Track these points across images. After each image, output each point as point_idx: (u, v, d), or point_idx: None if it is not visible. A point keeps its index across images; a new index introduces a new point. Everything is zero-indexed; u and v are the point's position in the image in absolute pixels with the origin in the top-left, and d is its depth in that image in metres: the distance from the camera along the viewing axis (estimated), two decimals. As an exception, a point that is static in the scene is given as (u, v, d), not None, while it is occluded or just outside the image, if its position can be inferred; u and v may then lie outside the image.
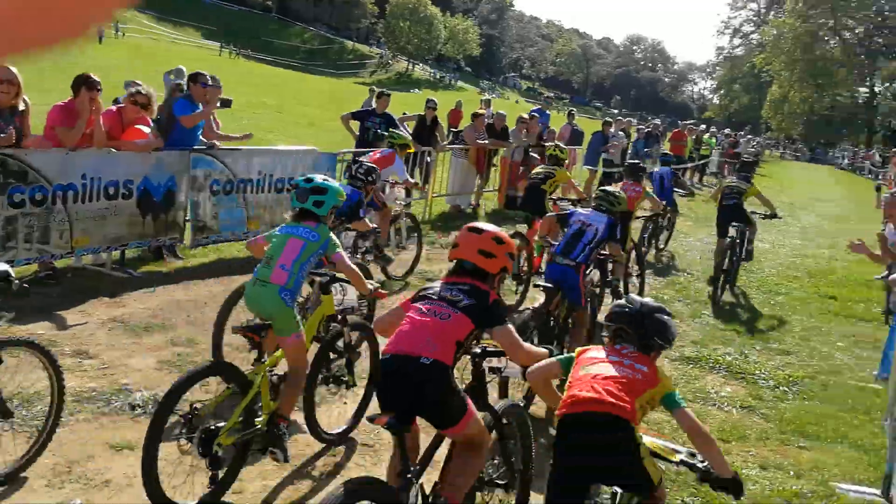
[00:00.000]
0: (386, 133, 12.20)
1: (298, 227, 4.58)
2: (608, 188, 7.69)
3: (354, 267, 4.78)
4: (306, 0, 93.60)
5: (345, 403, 5.30)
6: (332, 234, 4.66)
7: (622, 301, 3.59)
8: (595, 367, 3.26)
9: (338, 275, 4.79)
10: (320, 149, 11.65)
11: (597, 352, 3.39)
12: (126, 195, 7.65)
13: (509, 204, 15.39)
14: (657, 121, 25.73)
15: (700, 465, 3.16)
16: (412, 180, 10.99)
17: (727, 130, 39.36)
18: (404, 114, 15.28)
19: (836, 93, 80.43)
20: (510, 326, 3.58)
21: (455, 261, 3.73)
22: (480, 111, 15.51)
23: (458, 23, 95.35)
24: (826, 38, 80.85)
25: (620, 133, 20.50)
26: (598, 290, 7.24)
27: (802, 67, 77.36)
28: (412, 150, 11.40)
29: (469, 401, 3.42)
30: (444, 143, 14.43)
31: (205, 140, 8.76)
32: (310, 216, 4.63)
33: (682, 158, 24.27)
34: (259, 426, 4.24)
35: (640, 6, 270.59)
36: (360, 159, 9.04)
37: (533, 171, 10.46)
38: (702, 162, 27.51)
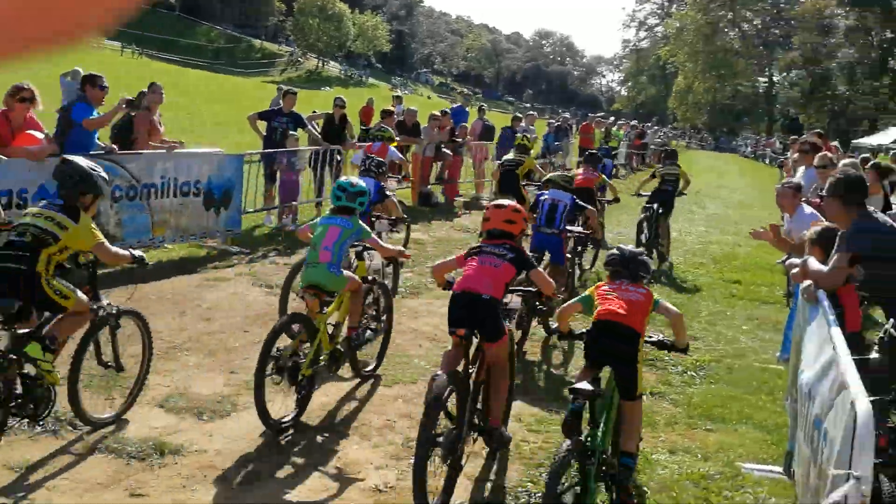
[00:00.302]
0: (294, 132, 12.04)
1: (336, 218, 5.93)
2: (559, 172, 9.86)
3: (384, 244, 6.54)
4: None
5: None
6: (362, 224, 6.04)
7: (614, 250, 4.93)
8: (615, 293, 4.53)
9: (367, 245, 6.26)
10: (228, 150, 11.43)
11: (607, 286, 4.65)
12: (21, 206, 7.29)
13: (423, 200, 15.39)
14: (567, 114, 26.10)
15: (666, 340, 4.89)
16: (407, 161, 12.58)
17: (634, 122, 40.25)
18: (313, 112, 15.09)
19: (738, 83, 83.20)
20: (539, 268, 5.52)
21: (487, 231, 5.12)
22: (391, 108, 15.47)
23: (367, 19, 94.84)
24: (726, 30, 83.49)
25: (532, 128, 20.73)
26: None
27: (705, 59, 79.69)
28: (395, 144, 12.52)
29: (506, 327, 4.92)
30: (354, 140, 14.33)
31: (103, 145, 8.48)
32: (345, 210, 5.96)
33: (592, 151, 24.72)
34: (323, 361, 5.64)
35: (547, 1, 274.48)
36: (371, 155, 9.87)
37: (505, 158, 12.11)
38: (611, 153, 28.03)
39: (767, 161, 49.67)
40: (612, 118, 38.57)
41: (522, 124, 20.18)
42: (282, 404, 5.27)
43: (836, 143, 26.85)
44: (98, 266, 5.22)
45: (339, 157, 13.21)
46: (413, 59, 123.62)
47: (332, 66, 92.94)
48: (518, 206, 5.33)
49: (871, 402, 2.87)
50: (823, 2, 63.88)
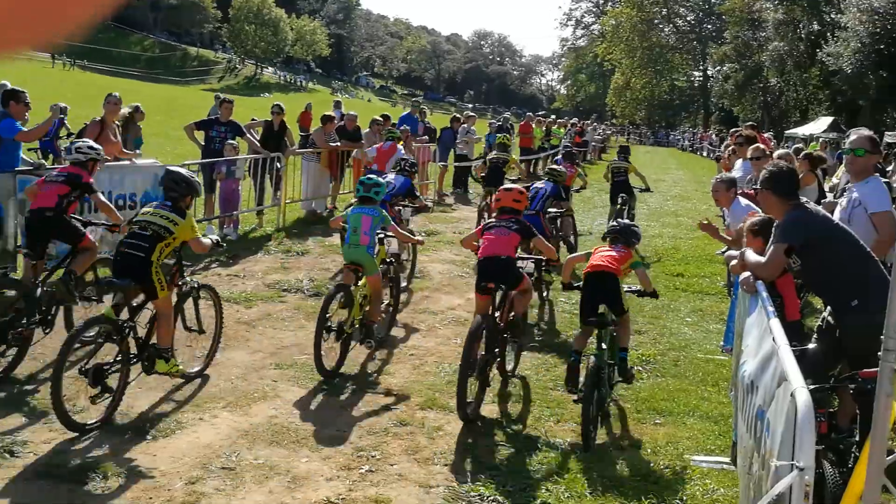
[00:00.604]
0: (233, 141, 11.86)
1: (365, 208, 7.09)
2: (556, 167, 11.21)
3: (402, 230, 7.72)
4: (143, 6, 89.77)
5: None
6: (385, 213, 7.25)
7: (614, 223, 7.17)
8: (602, 252, 6.14)
9: (387, 233, 7.28)
10: (165, 161, 11.21)
11: (602, 247, 6.28)
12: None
13: (366, 205, 15.30)
14: (507, 114, 26.26)
15: (634, 288, 6.39)
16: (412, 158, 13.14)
17: (574, 119, 40.69)
18: (252, 119, 14.90)
19: (674, 78, 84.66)
20: (540, 236, 6.96)
21: (499, 208, 6.68)
22: (330, 114, 15.33)
23: (304, 24, 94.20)
24: (661, 26, 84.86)
25: (473, 129, 20.76)
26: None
27: (641, 55, 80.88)
28: (402, 143, 14.23)
29: (524, 274, 6.58)
30: (294, 147, 14.18)
31: (28, 160, 8.23)
32: (367, 200, 7.15)
33: (531, 150, 24.89)
34: (358, 326, 6.82)
35: (485, 2, 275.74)
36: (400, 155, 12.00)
37: (490, 156, 14.25)
38: (553, 151, 28.27)
39: (705, 154, 50.57)
40: (553, 116, 38.93)
41: (464, 125, 20.22)
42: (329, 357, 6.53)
43: (769, 133, 27.45)
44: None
45: (279, 165, 13.05)
46: (353, 63, 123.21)
47: (271, 72, 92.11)
48: (522, 188, 7.29)
49: (812, 389, 2.92)
50: (753, -4, 65.34)
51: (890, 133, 28.86)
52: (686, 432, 5.73)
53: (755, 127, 15.70)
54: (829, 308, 4.84)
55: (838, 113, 43.74)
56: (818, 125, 41.51)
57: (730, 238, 8.20)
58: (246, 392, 6.06)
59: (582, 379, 5.72)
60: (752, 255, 4.91)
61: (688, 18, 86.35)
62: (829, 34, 41.84)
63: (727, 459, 5.20)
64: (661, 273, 11.63)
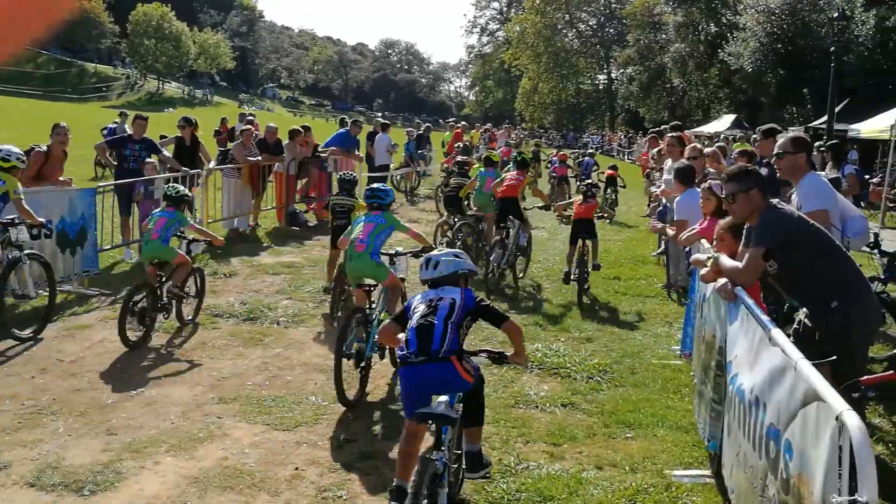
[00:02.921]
0: (149, 159, 11.25)
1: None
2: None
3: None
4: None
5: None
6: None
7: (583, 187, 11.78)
8: (582, 204, 10.39)
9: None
10: (76, 183, 10.53)
11: (580, 201, 10.65)
12: None
13: (290, 220, 14.78)
14: (429, 123, 26.06)
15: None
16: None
17: (488, 125, 40.80)
18: (162, 137, 14.16)
19: (579, 81, 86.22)
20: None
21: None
22: (247, 127, 14.77)
23: (207, 37, 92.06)
24: (564, 31, 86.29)
25: (388, 136, 20.41)
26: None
27: (547, 60, 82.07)
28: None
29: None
30: (213, 163, 13.59)
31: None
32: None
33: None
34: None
35: (389, 10, 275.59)
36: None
37: (452, 182, 13.26)
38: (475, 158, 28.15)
39: (614, 154, 51.45)
40: (463, 123, 38.94)
41: (380, 134, 19.77)
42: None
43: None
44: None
45: (200, 182, 12.44)
46: (259, 75, 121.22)
47: (175, 87, 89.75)
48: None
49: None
50: (653, 0, 67.00)
51: (793, 129, 29.90)
52: (659, 445, 5.53)
53: (679, 127, 15.85)
54: (804, 311, 4.69)
55: (740, 111, 45.09)
56: (722, 123, 42.74)
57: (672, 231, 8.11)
58: (190, 433, 5.58)
59: None
60: (726, 261, 4.74)
61: (590, 23, 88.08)
62: (728, 35, 43.08)
63: (709, 472, 5.01)
64: (598, 277, 11.51)
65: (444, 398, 4.05)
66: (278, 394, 6.45)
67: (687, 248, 9.37)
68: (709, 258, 5.06)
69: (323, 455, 5.29)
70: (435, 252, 4.81)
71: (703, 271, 5.13)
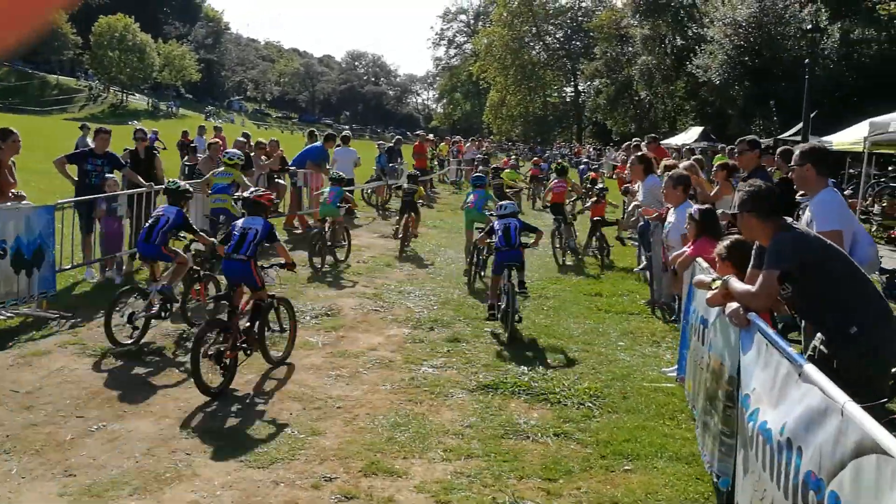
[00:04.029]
0: (112, 174, 10.76)
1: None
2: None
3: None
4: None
5: None
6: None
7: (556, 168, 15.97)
8: (555, 187, 14.65)
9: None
10: (34, 200, 10.00)
11: (554, 182, 14.86)
12: None
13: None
14: (399, 136, 25.72)
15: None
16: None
17: (458, 138, 40.58)
18: (125, 150, 13.59)
19: (547, 94, 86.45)
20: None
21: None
22: (214, 140, 14.30)
23: (172, 49, 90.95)
24: (531, 44, 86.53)
25: (353, 150, 19.96)
26: None
27: (514, 72, 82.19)
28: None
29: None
30: (162, 184, 13.05)
31: None
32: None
33: (426, 170, 24.39)
34: None
35: (356, 22, 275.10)
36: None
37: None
38: (444, 171, 27.98)
39: (582, 167, 51.34)
40: (425, 134, 38.66)
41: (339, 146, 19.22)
42: None
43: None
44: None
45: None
46: (225, 88, 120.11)
47: (139, 99, 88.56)
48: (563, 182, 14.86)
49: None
50: (619, 14, 67.44)
51: (764, 141, 29.97)
52: (661, 478, 5.20)
53: (655, 138, 15.70)
54: (819, 336, 4.39)
55: (707, 123, 45.28)
56: (689, 135, 42.85)
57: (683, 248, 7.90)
58: (156, 472, 5.13)
59: None
60: (737, 284, 4.43)
61: (557, 36, 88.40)
62: (697, 47, 43.31)
63: (718, 511, 4.70)
64: (579, 294, 11.24)
65: None
66: (251, 425, 6.03)
67: (674, 266, 9.15)
68: (714, 280, 4.75)
69: (302, 496, 4.88)
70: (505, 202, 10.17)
71: (708, 294, 4.82)
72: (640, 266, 12.01)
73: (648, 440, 5.82)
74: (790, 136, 29.04)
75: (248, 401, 6.58)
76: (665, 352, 8.41)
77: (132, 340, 7.76)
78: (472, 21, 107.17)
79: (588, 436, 5.95)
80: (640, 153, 11.04)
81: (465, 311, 9.91)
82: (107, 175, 10.65)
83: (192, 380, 6.44)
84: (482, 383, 7.09)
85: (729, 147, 24.97)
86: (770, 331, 3.81)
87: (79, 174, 10.81)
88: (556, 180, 15.03)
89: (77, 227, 10.59)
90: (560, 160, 19.33)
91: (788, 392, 3.34)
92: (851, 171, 24.31)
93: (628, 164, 12.25)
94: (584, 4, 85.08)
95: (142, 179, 11.38)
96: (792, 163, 5.54)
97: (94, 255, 10.69)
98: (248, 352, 7.06)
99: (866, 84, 35.29)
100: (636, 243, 13.05)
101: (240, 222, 7.38)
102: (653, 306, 10.28)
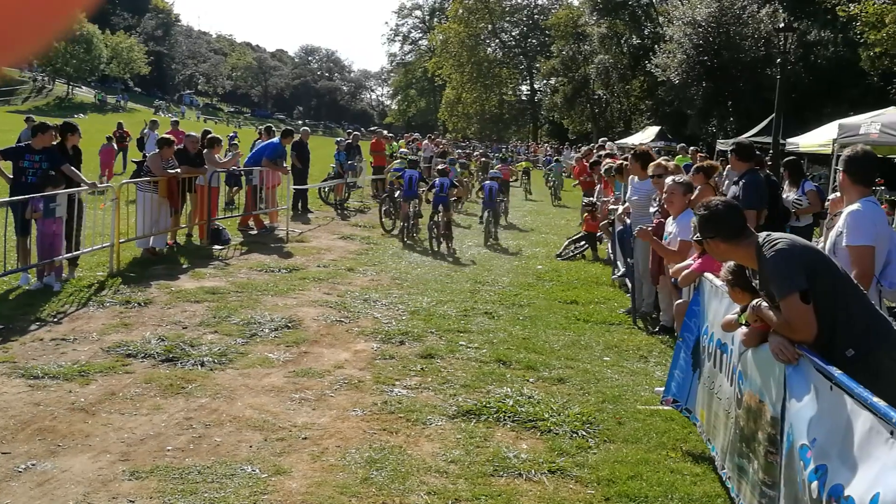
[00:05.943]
0: (53, 173, 9.85)
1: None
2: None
3: None
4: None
5: None
6: None
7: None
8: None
9: None
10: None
11: (498, 168, 20.61)
12: None
13: (213, 238, 13.47)
14: (358, 133, 24.93)
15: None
16: None
17: (416, 135, 39.92)
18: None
19: (503, 92, 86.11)
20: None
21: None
22: (168, 136, 13.40)
23: (120, 40, 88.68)
24: (487, 41, 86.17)
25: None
26: None
27: (470, 69, 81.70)
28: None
29: None
30: (94, 184, 12.17)
31: None
32: None
33: (384, 168, 23.67)
34: None
35: (309, 16, 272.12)
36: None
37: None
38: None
39: (540, 165, 50.99)
40: (381, 131, 37.95)
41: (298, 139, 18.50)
42: None
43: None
44: None
45: (112, 197, 11.03)
46: (175, 81, 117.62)
47: (86, 92, 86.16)
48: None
49: None
50: (576, 12, 67.30)
51: (722, 142, 29.81)
52: (677, 527, 4.60)
53: (613, 139, 15.25)
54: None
55: (663, 122, 45.20)
56: (646, 135, 42.68)
57: (674, 251, 7.39)
58: (92, 527, 4.38)
59: None
60: (770, 313, 3.84)
61: (513, 33, 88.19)
62: (656, 46, 43.18)
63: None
64: (554, 302, 10.65)
65: None
66: (205, 463, 5.27)
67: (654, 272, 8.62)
68: (741, 315, 4.17)
69: (267, 556, 4.17)
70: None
71: (740, 332, 4.21)
72: (619, 273, 11.46)
73: (655, 478, 5.20)
74: (752, 136, 28.92)
75: (201, 431, 5.81)
76: (654, 368, 7.85)
77: None
78: (427, 17, 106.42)
79: (587, 472, 5.31)
80: (640, 150, 10.44)
81: (435, 321, 9.24)
82: (50, 173, 9.75)
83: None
84: (463, 408, 6.42)
85: (692, 147, 24.75)
86: (837, 372, 3.21)
87: (14, 171, 9.90)
88: (499, 165, 19.59)
89: (11, 228, 9.71)
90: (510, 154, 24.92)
91: (874, 453, 2.74)
92: (814, 173, 24.24)
93: (627, 164, 11.49)
94: (540, 2, 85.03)
95: (83, 177, 10.50)
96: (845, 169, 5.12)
97: (32, 259, 9.80)
98: None
99: (820, 87, 35.50)
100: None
101: None
102: (633, 315, 9.73)
